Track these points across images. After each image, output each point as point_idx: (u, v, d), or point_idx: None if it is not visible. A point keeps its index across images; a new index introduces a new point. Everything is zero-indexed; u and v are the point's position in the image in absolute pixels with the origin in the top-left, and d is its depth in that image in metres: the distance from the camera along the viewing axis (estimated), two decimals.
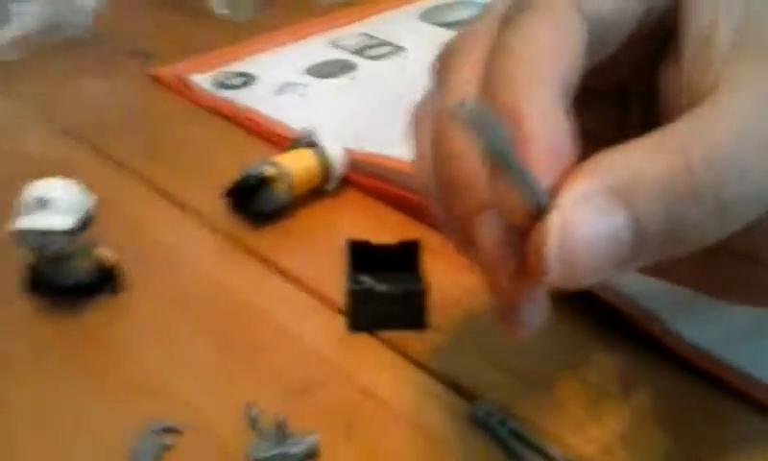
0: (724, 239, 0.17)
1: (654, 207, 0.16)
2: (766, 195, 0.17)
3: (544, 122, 0.17)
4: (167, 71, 0.47)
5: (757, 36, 0.18)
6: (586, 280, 0.16)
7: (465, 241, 0.20)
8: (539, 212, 0.16)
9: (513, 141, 0.16)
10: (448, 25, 0.54)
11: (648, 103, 0.21)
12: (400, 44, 0.51)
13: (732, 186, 0.16)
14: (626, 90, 0.23)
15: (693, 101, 0.18)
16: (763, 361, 0.26)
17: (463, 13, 0.56)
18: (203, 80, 0.46)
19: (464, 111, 0.15)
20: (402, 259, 0.30)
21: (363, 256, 0.30)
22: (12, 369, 0.27)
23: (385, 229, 0.33)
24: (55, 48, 0.48)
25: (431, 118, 0.21)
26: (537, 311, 0.19)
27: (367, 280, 0.29)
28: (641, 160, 0.16)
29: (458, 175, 0.19)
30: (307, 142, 0.36)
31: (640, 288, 0.27)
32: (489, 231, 0.18)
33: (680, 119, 0.17)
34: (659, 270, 0.23)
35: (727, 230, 0.17)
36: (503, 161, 0.16)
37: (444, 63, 0.22)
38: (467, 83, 0.20)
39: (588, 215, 0.16)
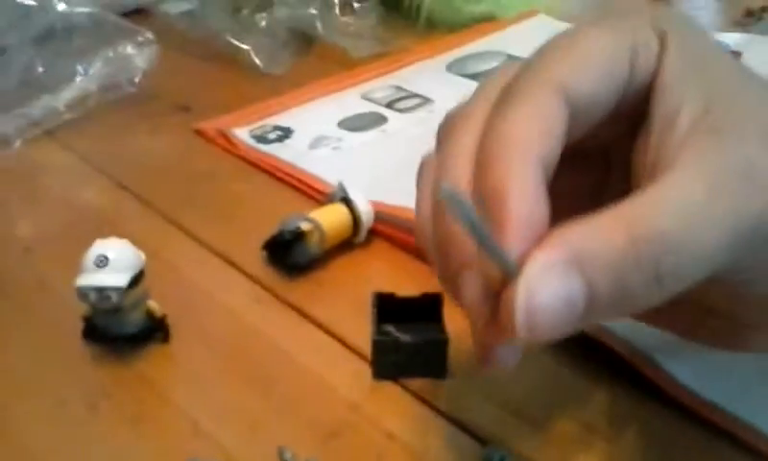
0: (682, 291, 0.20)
1: (603, 277, 0.19)
2: (703, 266, 0.19)
3: (524, 202, 0.20)
4: (209, 125, 0.50)
5: (713, 123, 0.21)
6: (546, 336, 0.19)
7: (453, 292, 0.23)
8: (508, 278, 0.20)
9: (484, 220, 0.20)
10: (473, 76, 0.57)
11: (627, 169, 0.24)
12: (428, 96, 0.54)
13: (670, 259, 0.19)
14: (608, 155, 0.26)
15: (653, 178, 0.20)
16: (752, 403, 0.27)
17: (487, 65, 0.58)
18: (242, 133, 0.49)
19: (445, 194, 0.19)
20: (425, 310, 0.32)
21: (388, 307, 0.32)
22: (69, 411, 0.30)
23: (410, 278, 0.36)
24: (108, 105, 0.51)
25: (430, 180, 0.24)
26: (510, 353, 0.23)
27: (392, 331, 0.32)
28: (595, 235, 0.19)
29: (447, 237, 0.22)
30: (339, 198, 0.39)
31: (637, 331, 0.29)
32: (470, 288, 0.22)
33: (632, 195, 0.20)
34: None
35: (666, 296, 0.19)
36: (477, 237, 0.19)
37: (445, 134, 0.25)
38: (461, 157, 0.23)
39: (549, 283, 0.19)
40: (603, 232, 0.19)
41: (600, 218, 0.19)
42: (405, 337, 0.31)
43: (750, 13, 0.67)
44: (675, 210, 0.19)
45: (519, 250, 0.19)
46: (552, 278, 0.19)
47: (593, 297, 0.19)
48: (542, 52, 0.23)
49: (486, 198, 0.21)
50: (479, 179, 0.21)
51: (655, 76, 0.22)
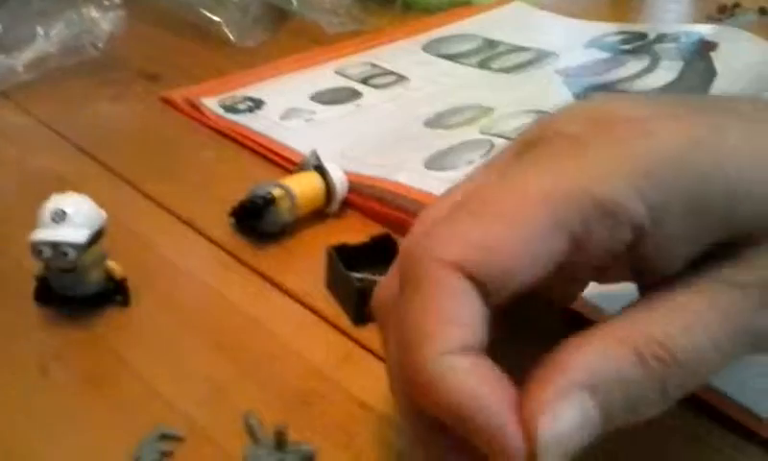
0: None
1: (614, 395, 0.19)
2: (706, 377, 0.20)
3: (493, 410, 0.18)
4: (177, 94, 0.48)
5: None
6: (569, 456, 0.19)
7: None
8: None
9: None
10: (449, 57, 0.56)
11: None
12: (404, 74, 0.53)
13: (676, 375, 0.19)
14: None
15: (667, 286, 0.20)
16: None
17: (463, 46, 0.57)
18: (211, 103, 0.47)
19: None
20: (378, 253, 0.32)
21: (344, 257, 0.32)
22: (19, 375, 0.28)
23: None
24: (70, 69, 0.49)
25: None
26: None
27: (367, 276, 0.31)
28: (603, 355, 0.19)
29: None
30: (312, 166, 0.37)
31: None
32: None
33: (635, 307, 0.20)
34: None
35: (670, 404, 0.20)
36: None
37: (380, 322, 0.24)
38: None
39: (568, 409, 0.19)
40: (611, 352, 0.19)
41: (607, 332, 0.19)
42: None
43: (723, 9, 0.67)
44: (688, 331, 0.19)
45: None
46: (570, 404, 0.19)
47: (606, 413, 0.19)
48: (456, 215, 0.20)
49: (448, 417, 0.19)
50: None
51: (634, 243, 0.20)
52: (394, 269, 0.24)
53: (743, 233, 0.20)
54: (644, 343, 0.19)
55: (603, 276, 0.24)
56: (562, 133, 0.21)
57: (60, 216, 0.29)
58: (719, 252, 0.21)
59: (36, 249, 0.29)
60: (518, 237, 0.19)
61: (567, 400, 0.18)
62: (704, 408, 0.27)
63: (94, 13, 0.49)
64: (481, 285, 0.19)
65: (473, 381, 0.18)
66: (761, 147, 0.21)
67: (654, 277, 0.21)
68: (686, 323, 0.19)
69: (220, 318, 0.32)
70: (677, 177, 0.19)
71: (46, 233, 0.29)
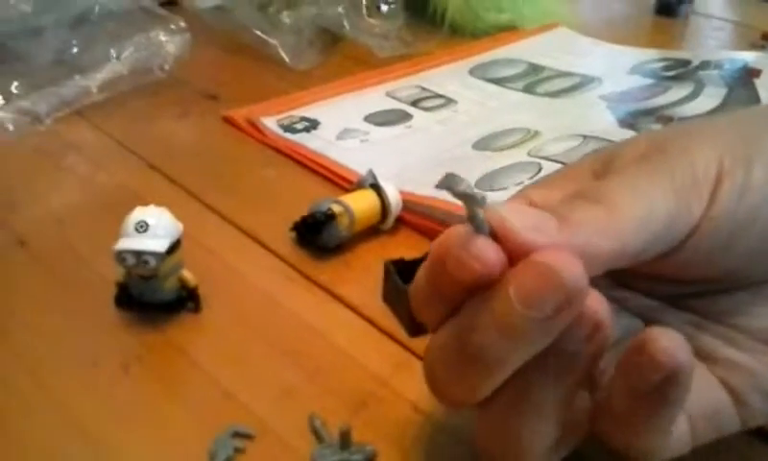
0: None
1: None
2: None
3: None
4: (237, 113, 0.51)
5: None
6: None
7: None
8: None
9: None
10: (495, 80, 0.58)
11: None
12: (451, 97, 0.55)
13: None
14: None
15: None
16: None
17: (509, 71, 0.59)
18: (270, 122, 0.50)
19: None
20: None
21: (402, 271, 0.33)
22: (103, 374, 0.31)
23: None
24: (138, 89, 0.52)
25: None
26: None
27: None
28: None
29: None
30: (369, 184, 0.40)
31: None
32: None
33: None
34: None
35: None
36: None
37: None
38: None
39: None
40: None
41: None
42: None
43: (766, 37, 0.68)
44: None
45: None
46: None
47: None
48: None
49: None
50: None
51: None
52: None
53: None
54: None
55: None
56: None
57: (143, 227, 0.31)
58: None
59: (121, 256, 0.31)
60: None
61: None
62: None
63: (162, 37, 0.53)
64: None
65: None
66: None
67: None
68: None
69: (283, 326, 0.34)
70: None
71: (130, 242, 0.31)
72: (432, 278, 0.22)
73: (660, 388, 0.21)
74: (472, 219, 0.21)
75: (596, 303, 0.21)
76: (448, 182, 0.20)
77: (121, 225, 0.32)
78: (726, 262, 0.24)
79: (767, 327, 0.24)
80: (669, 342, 0.21)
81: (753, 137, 0.24)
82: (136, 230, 0.31)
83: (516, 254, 0.21)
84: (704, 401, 0.24)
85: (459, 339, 0.22)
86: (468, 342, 0.21)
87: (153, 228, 0.31)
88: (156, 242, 0.31)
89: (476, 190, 0.21)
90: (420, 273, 0.23)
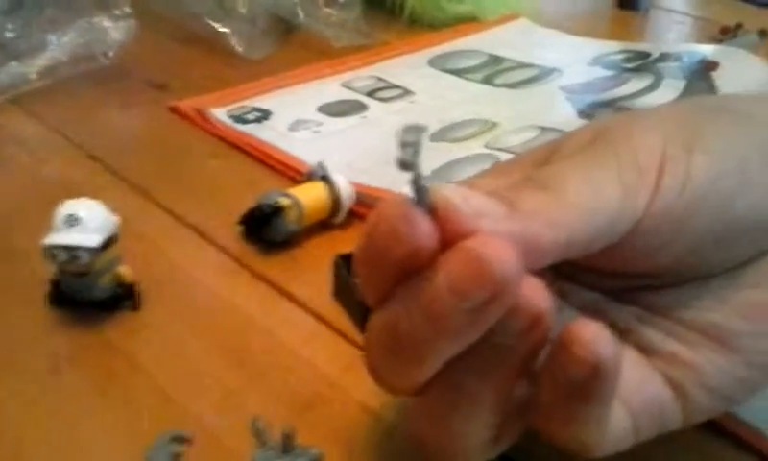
0: None
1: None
2: None
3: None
4: (185, 103, 0.49)
5: None
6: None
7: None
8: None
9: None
10: (455, 71, 0.57)
11: None
12: (409, 88, 0.53)
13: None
14: None
15: None
16: None
17: (469, 62, 0.58)
18: (219, 113, 0.48)
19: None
20: None
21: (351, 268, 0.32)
22: (31, 378, 0.29)
23: None
24: (80, 77, 0.50)
25: None
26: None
27: None
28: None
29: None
30: (319, 176, 0.38)
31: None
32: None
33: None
34: None
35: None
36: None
37: None
38: None
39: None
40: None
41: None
42: None
43: (725, 30, 0.68)
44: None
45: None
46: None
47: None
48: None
49: None
50: None
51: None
52: None
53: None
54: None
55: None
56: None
57: (74, 220, 0.29)
58: None
59: (50, 252, 0.29)
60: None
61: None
62: (717, 430, 0.27)
63: (105, 23, 0.50)
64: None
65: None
66: None
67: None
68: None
69: (227, 324, 0.32)
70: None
71: (60, 237, 0.29)
72: (366, 250, 0.21)
73: (585, 383, 0.20)
74: (415, 189, 0.19)
75: (536, 296, 0.20)
76: (404, 137, 0.19)
77: (52, 216, 0.30)
78: (669, 256, 0.23)
79: (712, 322, 0.23)
80: (592, 336, 0.20)
81: (694, 128, 0.23)
82: (67, 223, 0.29)
83: (456, 237, 0.19)
84: (645, 395, 0.23)
85: (389, 324, 0.21)
86: (397, 327, 0.20)
87: (84, 221, 0.29)
88: (87, 236, 0.29)
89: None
90: (358, 245, 0.21)
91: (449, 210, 0.20)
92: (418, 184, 0.19)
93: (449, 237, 0.20)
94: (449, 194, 0.20)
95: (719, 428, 0.27)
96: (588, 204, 0.21)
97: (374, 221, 0.20)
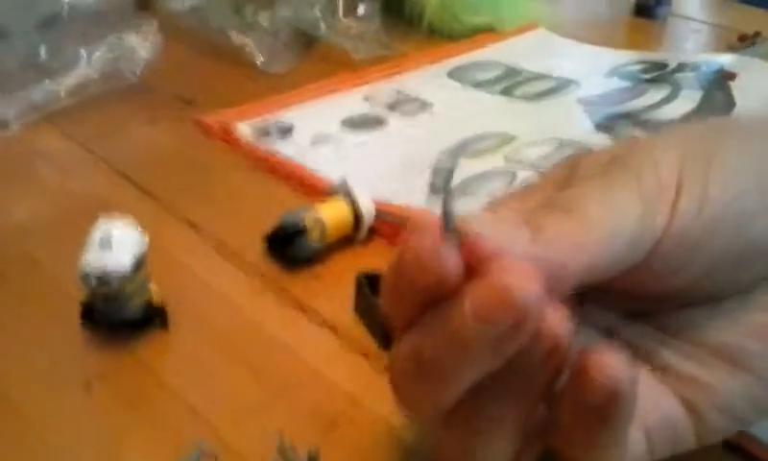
0: None
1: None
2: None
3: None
4: (211, 118, 0.50)
5: None
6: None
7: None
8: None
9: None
10: (474, 84, 0.57)
11: None
12: (428, 100, 0.54)
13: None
14: None
15: None
16: None
17: (488, 74, 0.59)
18: (243, 128, 0.49)
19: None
20: None
21: (373, 286, 0.33)
22: (65, 392, 0.30)
23: None
24: (109, 94, 0.51)
25: None
26: None
27: None
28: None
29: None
30: (341, 193, 0.39)
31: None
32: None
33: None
34: None
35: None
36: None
37: None
38: None
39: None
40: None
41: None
42: None
43: (743, 38, 0.68)
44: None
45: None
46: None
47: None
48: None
49: None
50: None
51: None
52: None
53: None
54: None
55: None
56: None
57: (106, 242, 0.31)
58: None
59: (84, 276, 0.31)
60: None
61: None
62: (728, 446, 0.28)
63: (134, 40, 0.52)
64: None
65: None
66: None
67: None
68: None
69: (252, 341, 0.33)
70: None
71: (93, 260, 0.30)
72: (394, 278, 0.22)
73: (603, 407, 0.21)
74: (444, 214, 0.21)
75: (556, 322, 0.21)
76: (438, 163, 0.21)
77: (87, 238, 0.31)
78: (685, 278, 0.23)
79: (726, 343, 0.24)
80: (610, 363, 0.20)
81: (711, 147, 0.24)
82: (99, 244, 0.30)
83: (483, 263, 0.20)
84: (660, 415, 0.24)
85: (415, 350, 0.22)
86: (422, 353, 0.21)
87: (117, 243, 0.31)
88: (119, 261, 0.30)
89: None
90: (386, 273, 0.22)
91: (477, 238, 0.21)
92: (447, 210, 0.20)
93: (476, 263, 0.20)
94: (477, 220, 0.21)
95: (730, 444, 0.28)
96: (610, 225, 0.22)
97: (404, 250, 0.21)
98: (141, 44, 0.51)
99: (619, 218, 0.22)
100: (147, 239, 0.32)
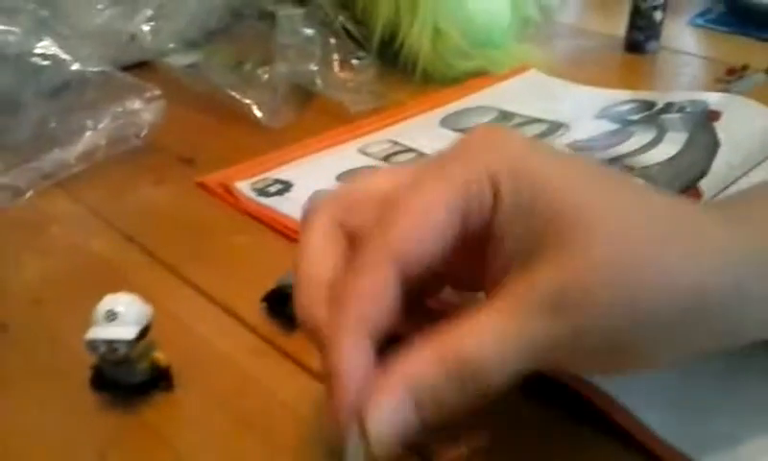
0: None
1: (425, 394, 0.25)
2: (498, 384, 0.25)
3: (352, 384, 0.26)
4: (211, 178, 0.52)
5: (532, 263, 0.26)
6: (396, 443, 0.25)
7: None
8: None
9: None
10: (465, 131, 0.59)
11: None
12: (422, 150, 0.56)
13: (472, 381, 0.25)
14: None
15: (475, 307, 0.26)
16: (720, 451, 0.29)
17: (480, 119, 0.61)
18: (243, 186, 0.51)
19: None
20: None
21: None
22: (76, 457, 0.32)
23: None
24: (115, 158, 0.54)
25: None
26: None
27: None
28: (420, 364, 0.25)
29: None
30: None
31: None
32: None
33: (454, 322, 0.26)
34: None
35: (475, 400, 0.25)
36: None
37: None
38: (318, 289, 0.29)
39: (390, 403, 0.25)
40: (425, 361, 0.25)
41: (425, 348, 0.26)
42: None
43: (732, 72, 0.70)
44: (481, 342, 0.25)
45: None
46: (390, 402, 0.25)
47: (421, 411, 0.25)
48: (384, 216, 0.27)
49: (328, 373, 0.26)
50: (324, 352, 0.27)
51: (489, 225, 0.27)
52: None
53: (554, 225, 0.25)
54: (451, 356, 0.25)
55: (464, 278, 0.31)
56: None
57: (112, 315, 0.33)
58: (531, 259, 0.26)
59: (92, 345, 0.32)
60: (431, 225, 0.26)
61: (390, 397, 0.25)
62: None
63: (138, 106, 0.54)
64: (406, 267, 0.26)
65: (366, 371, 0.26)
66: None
67: (492, 281, 0.27)
68: (483, 339, 0.25)
69: (253, 401, 0.35)
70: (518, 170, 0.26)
71: (100, 332, 0.32)
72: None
73: None
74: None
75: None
76: None
77: (93, 310, 0.33)
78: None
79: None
80: None
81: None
82: (106, 318, 0.32)
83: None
84: None
85: None
86: None
87: (122, 315, 0.32)
88: (125, 330, 0.32)
89: None
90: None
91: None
92: None
93: None
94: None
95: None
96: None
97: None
98: (145, 108, 0.54)
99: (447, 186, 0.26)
100: (151, 309, 0.34)
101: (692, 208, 0.29)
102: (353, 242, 0.28)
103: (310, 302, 0.28)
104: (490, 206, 0.26)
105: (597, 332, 0.25)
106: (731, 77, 0.69)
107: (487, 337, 0.25)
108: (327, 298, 0.27)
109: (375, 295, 0.26)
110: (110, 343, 0.32)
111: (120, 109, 0.53)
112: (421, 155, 0.56)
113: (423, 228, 0.26)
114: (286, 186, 0.51)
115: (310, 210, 0.30)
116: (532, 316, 0.25)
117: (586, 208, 0.25)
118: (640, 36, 0.75)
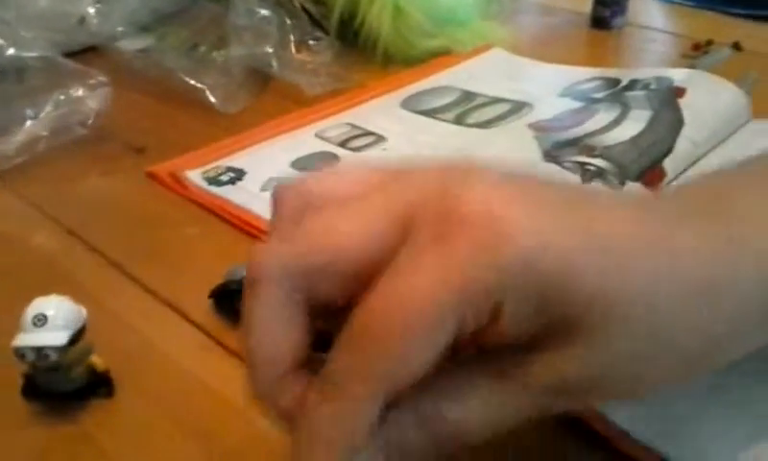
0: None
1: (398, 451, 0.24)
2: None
3: None
4: (162, 168, 0.50)
5: None
6: None
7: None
8: None
9: None
10: (427, 112, 0.57)
11: None
12: (381, 134, 0.54)
13: (448, 442, 0.24)
14: None
15: None
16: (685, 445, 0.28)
17: (441, 100, 0.59)
18: (195, 175, 0.49)
19: None
20: None
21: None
22: None
23: None
24: (59, 148, 0.51)
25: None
26: None
27: None
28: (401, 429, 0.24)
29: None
30: None
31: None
32: None
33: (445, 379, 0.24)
34: None
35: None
36: None
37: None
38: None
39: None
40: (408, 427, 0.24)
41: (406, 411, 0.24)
42: None
43: (697, 47, 0.69)
44: (463, 414, 0.24)
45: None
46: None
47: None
48: (365, 331, 0.23)
49: None
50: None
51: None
52: None
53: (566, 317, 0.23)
54: (431, 416, 0.23)
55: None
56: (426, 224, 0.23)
57: (40, 320, 0.30)
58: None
59: (20, 353, 0.30)
60: None
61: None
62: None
63: (82, 93, 0.51)
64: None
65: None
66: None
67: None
68: (469, 406, 0.24)
69: (198, 403, 0.33)
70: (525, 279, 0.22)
71: (28, 339, 0.30)
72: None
73: None
74: None
75: None
76: None
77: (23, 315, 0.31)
78: None
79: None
80: None
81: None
82: (34, 323, 0.30)
83: None
84: None
85: None
86: None
87: (51, 320, 0.30)
88: (54, 335, 0.30)
89: None
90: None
91: None
92: None
93: None
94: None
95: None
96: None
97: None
98: (90, 96, 0.51)
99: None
100: (85, 312, 0.32)
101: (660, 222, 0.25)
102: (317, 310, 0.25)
103: (272, 392, 0.25)
104: (487, 315, 0.23)
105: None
106: (696, 52, 0.68)
107: (473, 407, 0.24)
108: (291, 382, 0.25)
109: (354, 433, 0.23)
110: (40, 350, 0.30)
111: (62, 97, 0.51)
112: (380, 138, 0.54)
113: (412, 352, 0.22)
114: (238, 175, 0.49)
115: (256, 280, 0.25)
116: (534, 397, 0.23)
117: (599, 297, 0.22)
118: (606, 12, 0.74)
